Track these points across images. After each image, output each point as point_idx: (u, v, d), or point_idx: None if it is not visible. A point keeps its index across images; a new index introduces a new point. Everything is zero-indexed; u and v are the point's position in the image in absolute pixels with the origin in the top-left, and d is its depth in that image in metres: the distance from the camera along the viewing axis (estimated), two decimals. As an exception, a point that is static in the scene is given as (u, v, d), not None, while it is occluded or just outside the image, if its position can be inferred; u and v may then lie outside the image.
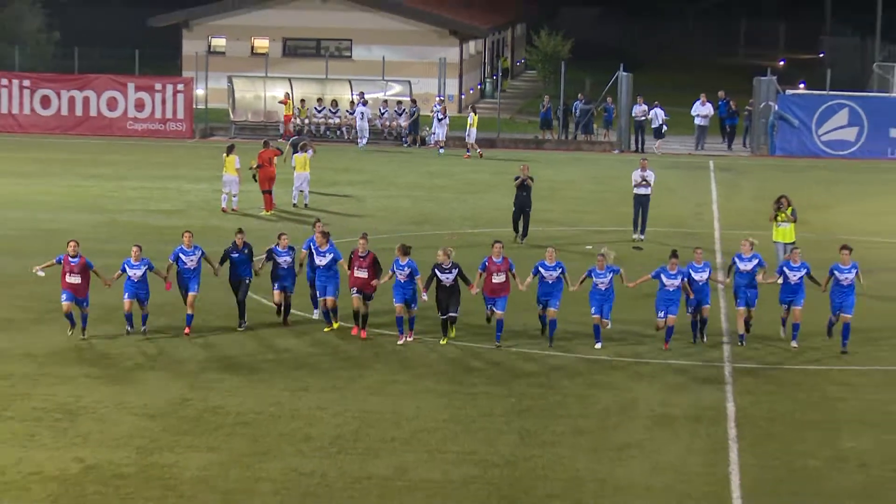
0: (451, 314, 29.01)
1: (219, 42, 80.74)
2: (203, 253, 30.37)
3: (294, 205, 47.66)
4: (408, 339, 29.71)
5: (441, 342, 29.51)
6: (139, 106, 66.30)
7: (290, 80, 70.86)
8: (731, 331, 31.71)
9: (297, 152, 49.01)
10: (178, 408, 25.61)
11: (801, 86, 74.58)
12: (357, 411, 25.52)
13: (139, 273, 29.76)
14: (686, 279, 29.60)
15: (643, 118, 65.85)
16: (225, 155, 48.00)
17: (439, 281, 28.66)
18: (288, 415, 25.32)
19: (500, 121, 72.75)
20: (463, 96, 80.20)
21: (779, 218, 36.86)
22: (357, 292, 29.59)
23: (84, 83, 67.15)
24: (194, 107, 67.52)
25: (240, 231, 31.58)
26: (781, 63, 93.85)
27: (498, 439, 23.98)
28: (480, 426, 24.55)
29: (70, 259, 28.65)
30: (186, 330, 30.36)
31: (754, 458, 23.56)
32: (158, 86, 67.22)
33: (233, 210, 46.73)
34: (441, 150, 62.81)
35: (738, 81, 72.21)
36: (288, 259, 31.03)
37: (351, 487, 21.58)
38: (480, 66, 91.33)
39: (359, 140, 65.02)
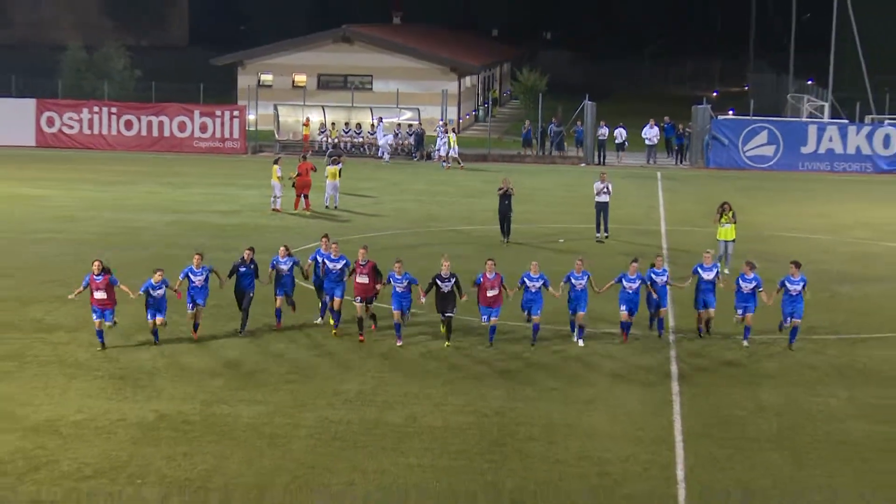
0: (448, 314, 27.24)
1: (266, 77, 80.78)
2: (210, 270, 27.78)
3: (326, 207, 47.63)
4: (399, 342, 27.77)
5: (444, 345, 27.51)
6: (203, 128, 66.38)
7: (322, 107, 70.74)
8: (686, 328, 30.46)
9: (329, 164, 48.96)
10: (233, 370, 25.83)
11: (731, 112, 74.57)
12: (375, 373, 25.73)
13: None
14: (649, 282, 28.27)
15: (604, 138, 66.02)
16: (273, 166, 48.14)
17: (438, 288, 27.04)
18: (321, 375, 25.52)
19: (490, 140, 72.95)
20: (461, 120, 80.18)
21: (722, 220, 36.29)
22: (360, 300, 27.71)
23: (159, 110, 67.27)
24: (247, 129, 67.47)
25: (250, 249, 28.62)
26: (715, 94, 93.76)
27: (489, 394, 24.25)
28: (474, 387, 24.73)
29: (95, 277, 26.04)
30: (194, 335, 27.86)
31: (693, 409, 23.71)
32: (218, 112, 67.26)
33: (275, 210, 46.86)
34: (444, 165, 62.74)
35: (681, 109, 72.15)
36: (284, 268, 28.70)
37: (370, 432, 21.78)
38: (475, 96, 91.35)
39: (382, 155, 65.06)
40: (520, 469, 20.55)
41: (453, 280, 27.07)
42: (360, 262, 27.55)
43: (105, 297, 26.08)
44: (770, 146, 64.28)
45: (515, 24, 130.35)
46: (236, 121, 66.89)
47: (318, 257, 29.03)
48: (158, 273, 26.82)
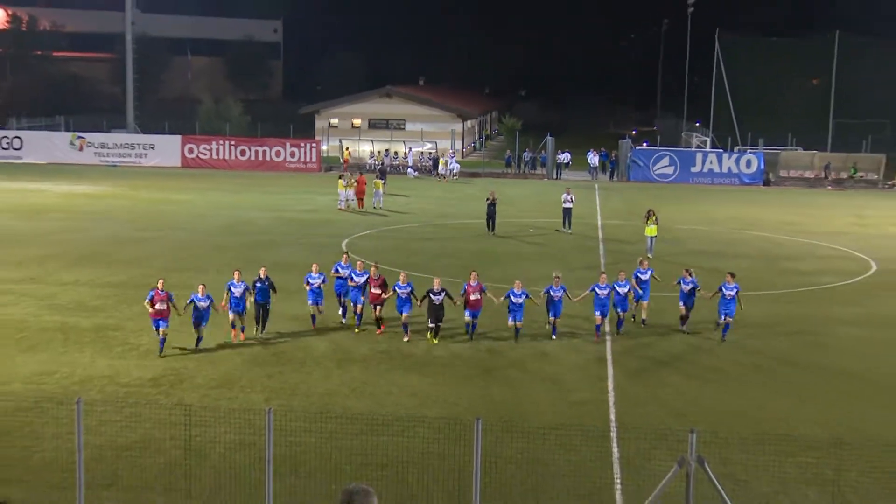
0: (438, 323, 23.80)
1: (334, 120, 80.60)
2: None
3: (374, 207, 47.44)
4: (406, 338, 24.11)
5: (433, 342, 23.70)
6: (292, 155, 66.23)
7: (371, 141, 70.92)
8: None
9: (377, 179, 49.70)
10: (302, 334, 25.80)
11: (645, 144, 74.19)
12: (397, 340, 25.68)
13: (240, 290, 23.34)
14: (634, 279, 25.13)
15: (561, 162, 65.88)
16: (338, 179, 48.48)
17: (431, 300, 23.64)
18: (360, 338, 25.28)
19: (483, 162, 73.23)
20: (464, 149, 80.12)
21: (648, 222, 35.75)
22: (374, 305, 24.57)
23: (262, 142, 67.11)
24: (321, 155, 67.35)
25: (263, 268, 24.09)
26: (634, 132, 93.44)
27: (478, 345, 24.21)
28: (468, 342, 24.60)
29: (159, 291, 22.07)
30: (234, 335, 23.57)
31: (620, 357, 23.79)
32: (302, 144, 67.11)
33: (340, 209, 46.66)
34: (455, 176, 62.99)
35: (612, 142, 72.04)
36: (319, 282, 24.81)
37: (402, 361, 21.88)
38: (474, 133, 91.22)
39: (410, 173, 65.03)
40: (504, 385, 20.70)
41: (443, 294, 23.78)
42: (374, 277, 24.46)
43: (164, 308, 22.06)
44: (671, 167, 64.12)
45: (500, 85, 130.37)
46: (314, 150, 66.73)
47: (338, 269, 25.30)
48: (202, 287, 22.88)
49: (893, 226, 45.77)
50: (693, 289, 25.05)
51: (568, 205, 41.31)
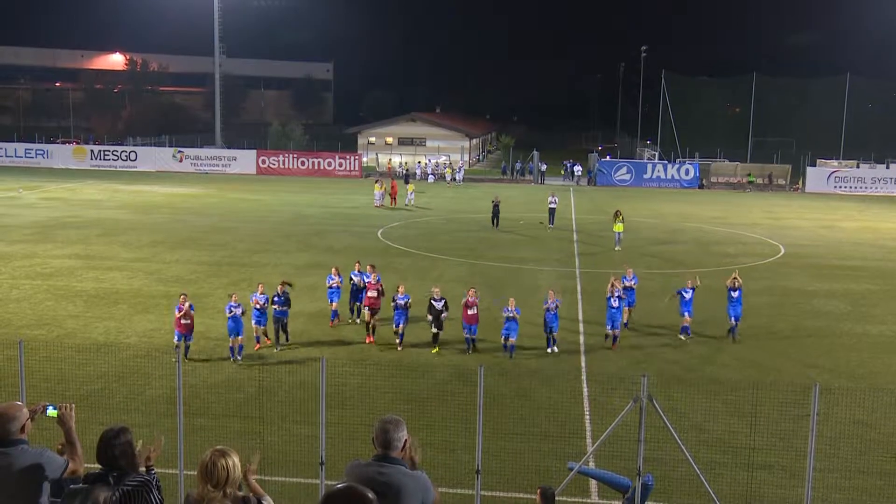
0: (439, 330, 19.38)
1: (372, 138, 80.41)
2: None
3: (406, 205, 46.98)
4: (399, 348, 19.48)
5: (432, 351, 19.31)
6: (340, 165, 65.66)
7: (400, 154, 70.83)
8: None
9: (407, 182, 49.87)
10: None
11: (608, 157, 73.77)
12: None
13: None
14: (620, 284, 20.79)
15: (544, 170, 65.30)
16: (374, 183, 48.20)
17: (432, 307, 19.37)
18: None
19: (485, 170, 72.71)
20: (471, 161, 79.75)
21: (616, 219, 33.63)
22: (369, 310, 20.15)
23: (318, 155, 66.70)
24: (362, 165, 66.91)
25: (282, 283, 19.65)
26: (600, 148, 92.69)
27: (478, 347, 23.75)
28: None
29: (183, 305, 18.03)
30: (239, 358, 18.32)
31: (595, 365, 23.51)
32: (348, 157, 66.72)
33: (376, 206, 46.06)
34: (460, 183, 62.45)
35: (582, 155, 71.51)
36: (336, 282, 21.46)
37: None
38: (479, 149, 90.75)
39: (430, 179, 64.60)
40: (494, 367, 20.57)
41: (443, 301, 19.51)
42: (373, 283, 20.48)
43: (190, 322, 18.08)
44: (628, 174, 63.43)
45: (498, 111, 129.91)
46: (356, 161, 66.29)
47: (354, 276, 21.41)
48: (234, 296, 18.62)
49: (798, 219, 45.32)
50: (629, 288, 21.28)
51: (553, 205, 40.19)
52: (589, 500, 12.53)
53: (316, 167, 65.86)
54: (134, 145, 71.63)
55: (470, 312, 19.46)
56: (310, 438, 12.80)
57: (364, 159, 69.43)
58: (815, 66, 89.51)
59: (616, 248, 33.17)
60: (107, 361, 17.79)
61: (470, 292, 19.72)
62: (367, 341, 19.76)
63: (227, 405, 15.83)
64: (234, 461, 4.55)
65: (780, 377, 17.84)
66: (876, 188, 60.74)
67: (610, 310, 19.88)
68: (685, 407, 15.84)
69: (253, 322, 19.04)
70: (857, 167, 64.33)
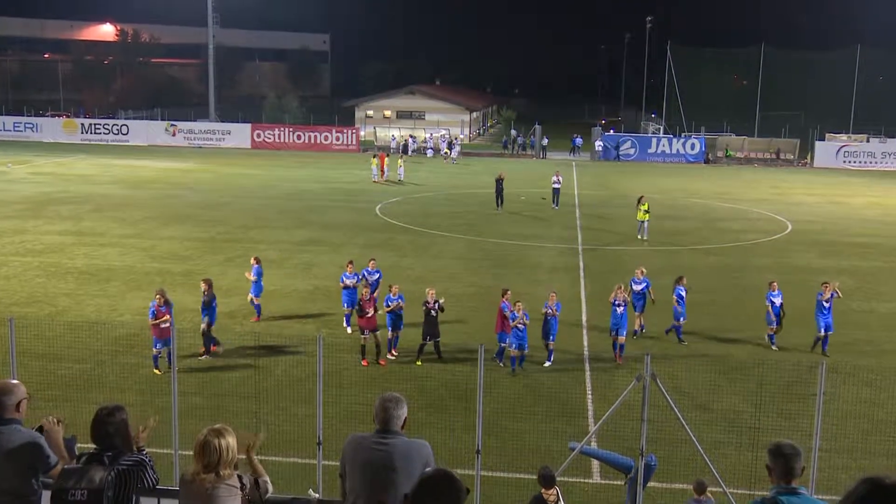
0: (436, 339, 17.23)
1: (369, 112, 79.94)
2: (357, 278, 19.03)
3: (398, 180, 46.56)
4: (394, 354, 17.51)
5: (417, 363, 17.09)
6: (337, 139, 65.33)
7: (399, 128, 70.32)
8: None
9: (403, 155, 49.17)
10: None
11: (612, 130, 73.31)
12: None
13: (352, 282, 19.05)
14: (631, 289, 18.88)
15: (545, 145, 64.94)
16: (372, 158, 47.80)
17: (426, 312, 17.29)
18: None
19: (485, 145, 72.34)
20: (471, 135, 79.39)
21: (640, 207, 31.03)
22: (369, 331, 16.81)
23: (314, 129, 66.30)
24: (360, 139, 66.49)
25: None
26: (603, 121, 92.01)
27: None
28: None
29: (160, 307, 16.08)
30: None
31: (594, 316, 23.40)
32: (345, 130, 66.35)
33: (374, 181, 45.94)
34: (455, 161, 61.56)
35: (586, 129, 71.17)
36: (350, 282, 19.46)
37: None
38: (479, 123, 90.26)
39: (428, 153, 64.33)
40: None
41: (437, 304, 17.30)
42: (365, 299, 17.35)
43: (168, 325, 15.46)
44: (632, 148, 63.13)
45: (499, 84, 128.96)
46: (354, 135, 65.89)
47: (344, 279, 19.50)
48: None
49: (806, 195, 45.20)
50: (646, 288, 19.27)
51: (556, 185, 38.83)
52: (591, 481, 12.57)
53: (312, 141, 65.51)
54: (126, 118, 71.20)
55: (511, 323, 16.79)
56: (308, 418, 12.82)
57: (362, 133, 69.08)
58: (824, 37, 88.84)
59: (641, 238, 30.41)
60: (100, 339, 17.80)
61: (516, 304, 16.98)
62: (380, 364, 16.96)
63: (221, 384, 15.83)
64: (230, 442, 4.51)
65: (786, 356, 17.86)
66: (886, 163, 60.51)
67: (614, 316, 17.64)
68: (689, 386, 15.87)
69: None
70: (867, 141, 64.03)
